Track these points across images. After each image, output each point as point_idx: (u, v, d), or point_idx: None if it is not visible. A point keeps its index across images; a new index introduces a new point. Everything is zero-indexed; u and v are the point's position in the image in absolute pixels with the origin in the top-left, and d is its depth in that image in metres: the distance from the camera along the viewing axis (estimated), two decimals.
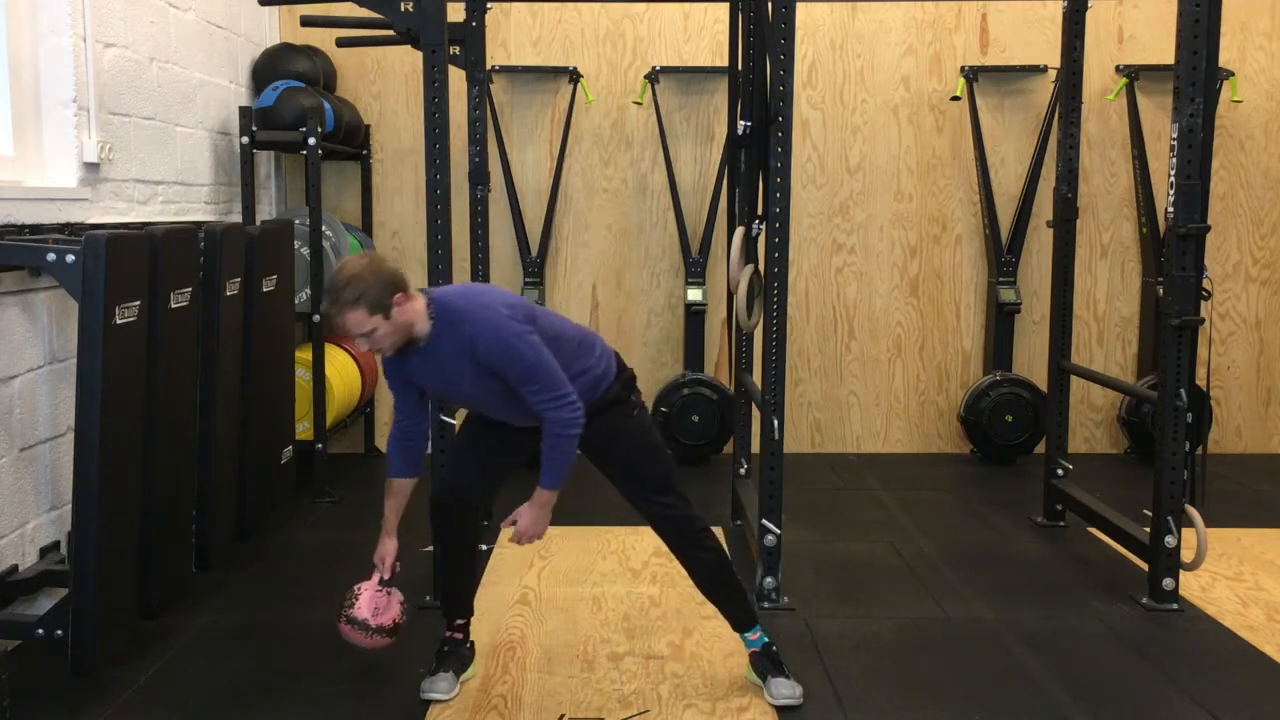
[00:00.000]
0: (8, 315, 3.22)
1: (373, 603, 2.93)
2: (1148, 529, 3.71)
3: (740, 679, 3.09)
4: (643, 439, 2.97)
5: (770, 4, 3.48)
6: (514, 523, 2.86)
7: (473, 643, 3.14)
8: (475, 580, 3.12)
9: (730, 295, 4.08)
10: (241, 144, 4.85)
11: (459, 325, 2.72)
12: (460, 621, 3.11)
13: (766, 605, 3.59)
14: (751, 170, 3.96)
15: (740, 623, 3.06)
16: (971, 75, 5.57)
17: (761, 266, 3.79)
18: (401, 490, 2.96)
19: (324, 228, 4.86)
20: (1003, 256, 5.59)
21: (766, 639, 3.05)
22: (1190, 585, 3.79)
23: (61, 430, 3.47)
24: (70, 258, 2.85)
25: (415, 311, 2.72)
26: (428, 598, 3.65)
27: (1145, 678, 3.15)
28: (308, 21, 4.12)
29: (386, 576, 2.97)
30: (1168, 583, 3.63)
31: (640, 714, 2.90)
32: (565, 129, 5.56)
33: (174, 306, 3.23)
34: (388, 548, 2.98)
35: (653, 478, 2.96)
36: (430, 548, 3.65)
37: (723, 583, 3.05)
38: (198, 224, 3.68)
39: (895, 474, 5.41)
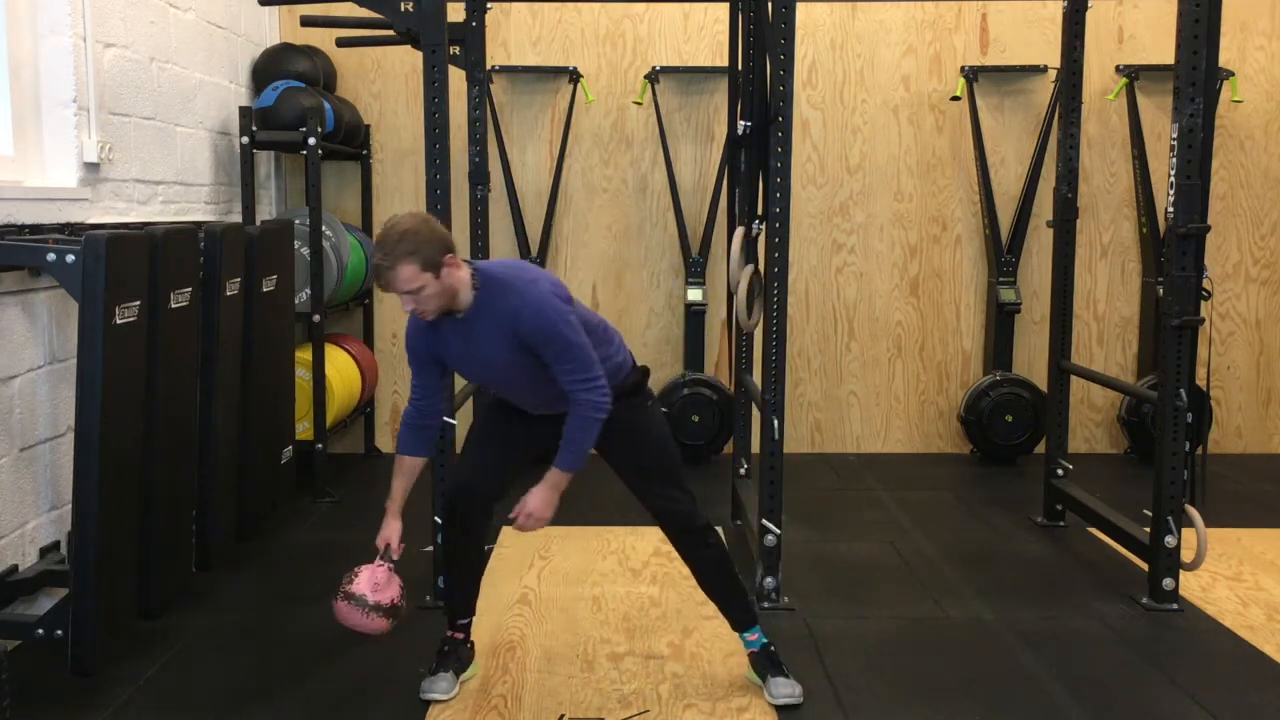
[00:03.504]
0: (8, 315, 3.22)
1: (372, 579, 2.81)
2: (1148, 529, 3.71)
3: (740, 679, 3.09)
4: (653, 430, 2.99)
5: (770, 4, 3.48)
6: (518, 514, 2.83)
7: (473, 643, 3.14)
8: (479, 580, 3.13)
9: (730, 295, 4.08)
10: (241, 144, 4.85)
11: (504, 297, 2.71)
12: (462, 621, 3.11)
13: (766, 605, 3.59)
14: (751, 170, 3.96)
15: (740, 623, 3.06)
16: (971, 75, 5.57)
17: (761, 266, 3.79)
18: (411, 469, 2.94)
19: (324, 228, 4.87)
20: (1003, 256, 5.59)
21: (766, 639, 3.05)
22: (1190, 585, 3.79)
23: (61, 430, 3.47)
24: (70, 258, 2.85)
25: (461, 278, 2.70)
26: (428, 598, 3.65)
27: (1145, 678, 3.15)
28: (308, 21, 4.12)
29: (395, 558, 2.88)
30: (1168, 583, 3.63)
31: (640, 714, 2.90)
32: (565, 129, 5.56)
33: (174, 306, 3.23)
34: (393, 528, 2.92)
35: (660, 469, 2.97)
36: (430, 548, 3.66)
37: (724, 581, 3.05)
38: (198, 224, 3.68)
39: (895, 474, 5.41)
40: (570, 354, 2.71)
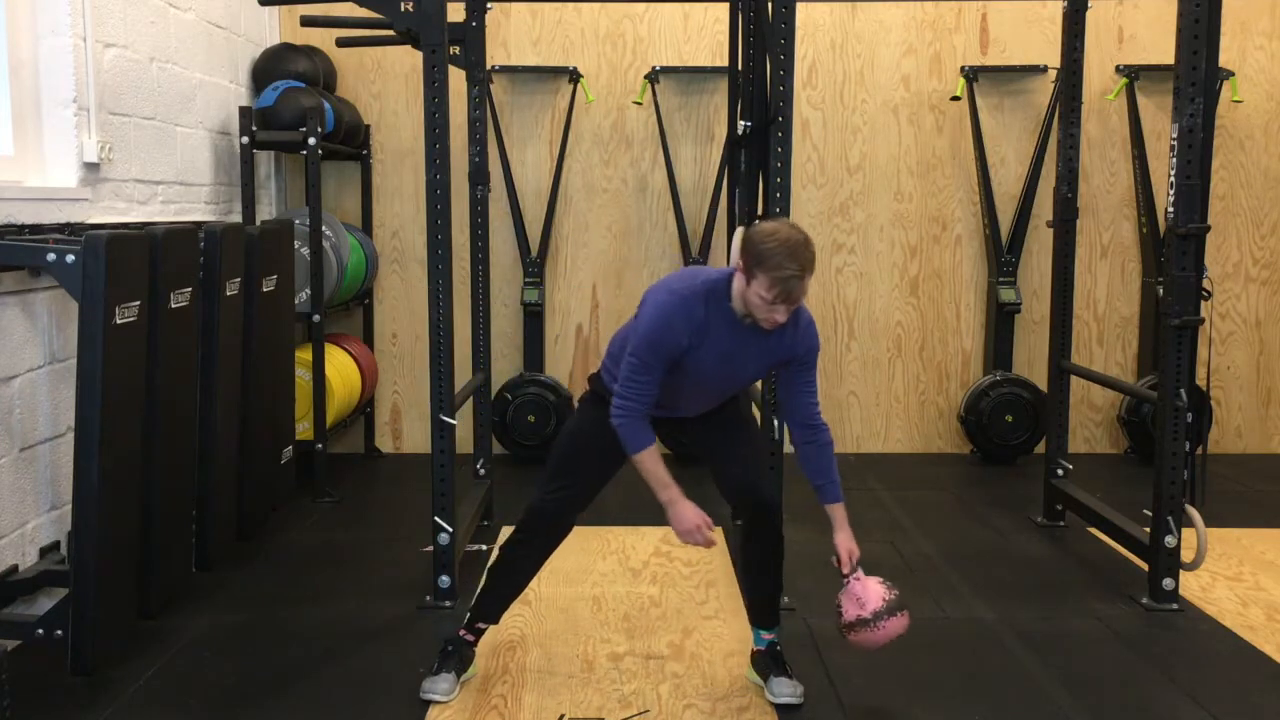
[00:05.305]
0: (8, 315, 3.22)
1: (851, 598, 2.85)
2: (1148, 529, 3.71)
3: (740, 679, 3.10)
4: (746, 409, 3.10)
5: (770, 4, 3.48)
6: (843, 560, 2.90)
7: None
8: (521, 593, 3.18)
9: None
10: (241, 144, 4.85)
11: (799, 312, 2.78)
12: (482, 627, 3.11)
13: None
14: (751, 170, 3.96)
15: (765, 620, 3.06)
16: (971, 75, 5.57)
17: None
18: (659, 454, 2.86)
19: (324, 228, 4.87)
20: (1003, 256, 5.59)
21: (775, 640, 3.05)
22: (1190, 585, 3.79)
23: (61, 430, 3.47)
24: (70, 258, 2.85)
25: None
26: (428, 598, 3.65)
27: (1145, 678, 3.15)
28: (308, 21, 4.12)
29: (845, 572, 2.88)
30: (1168, 583, 3.63)
31: (640, 714, 2.90)
32: (565, 129, 5.56)
33: (174, 306, 3.23)
34: (695, 509, 2.83)
35: (753, 448, 3.04)
36: (429, 548, 3.66)
37: (772, 576, 3.04)
38: (198, 224, 3.68)
39: (895, 474, 5.41)
40: (815, 380, 2.90)
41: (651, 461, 2.79)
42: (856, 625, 2.83)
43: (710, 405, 2.97)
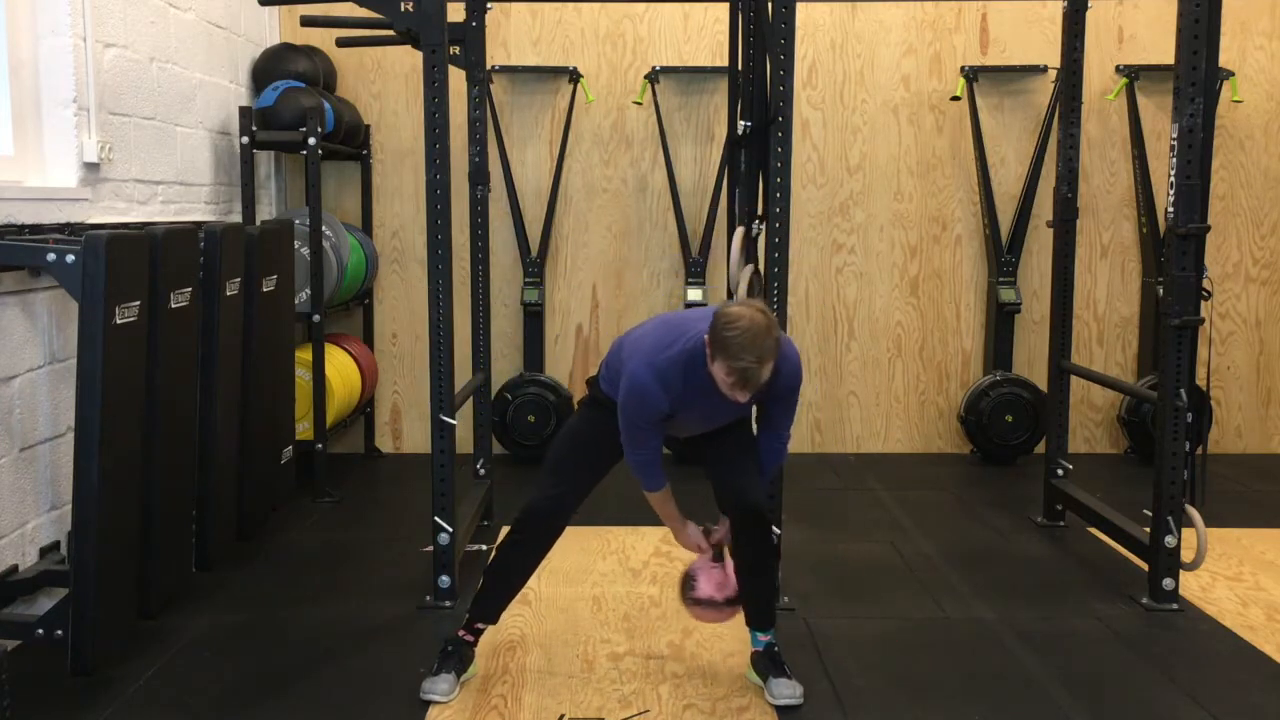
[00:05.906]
0: (8, 315, 3.22)
1: (713, 580, 3.08)
2: (1148, 529, 3.71)
3: (740, 679, 3.10)
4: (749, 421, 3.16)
5: (770, 4, 3.48)
6: (721, 542, 3.12)
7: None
8: (519, 592, 3.21)
9: (730, 295, 4.08)
10: (241, 144, 4.84)
11: (784, 361, 2.86)
12: (481, 627, 3.13)
13: None
14: (751, 170, 3.96)
15: (761, 622, 3.08)
16: (971, 75, 5.57)
17: (761, 266, 3.79)
18: (671, 493, 3.08)
19: (324, 228, 4.87)
20: (1003, 256, 5.59)
21: (773, 641, 3.06)
22: (1190, 585, 3.79)
23: (61, 430, 3.47)
24: (70, 258, 2.85)
25: None
26: (427, 598, 3.65)
27: (1145, 678, 3.15)
28: (308, 21, 4.12)
29: (710, 554, 3.11)
30: (1168, 583, 3.63)
31: (640, 714, 2.90)
32: (565, 129, 5.56)
33: (174, 306, 3.23)
34: (696, 531, 3.12)
35: (750, 452, 3.09)
36: (429, 548, 3.66)
37: (765, 578, 3.08)
38: (198, 224, 3.68)
39: (895, 474, 5.41)
40: (794, 408, 3.08)
41: (663, 500, 3.05)
42: (705, 603, 3.09)
43: (706, 429, 3.06)
